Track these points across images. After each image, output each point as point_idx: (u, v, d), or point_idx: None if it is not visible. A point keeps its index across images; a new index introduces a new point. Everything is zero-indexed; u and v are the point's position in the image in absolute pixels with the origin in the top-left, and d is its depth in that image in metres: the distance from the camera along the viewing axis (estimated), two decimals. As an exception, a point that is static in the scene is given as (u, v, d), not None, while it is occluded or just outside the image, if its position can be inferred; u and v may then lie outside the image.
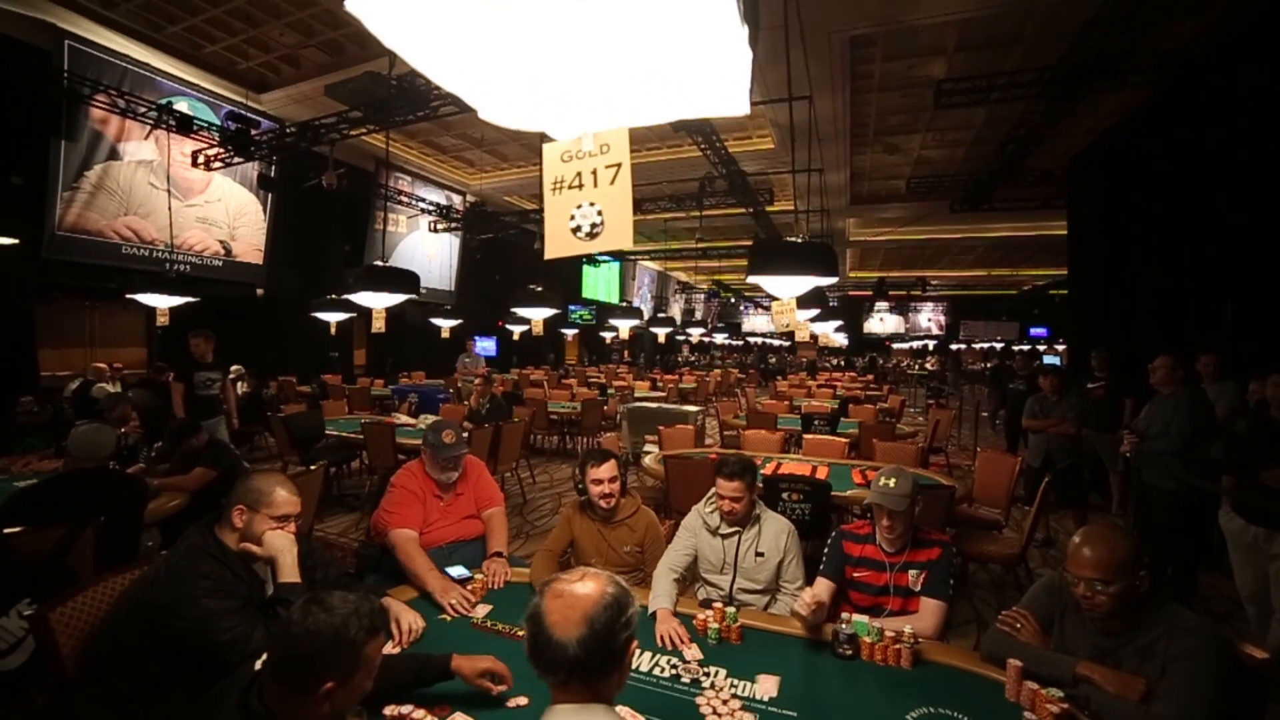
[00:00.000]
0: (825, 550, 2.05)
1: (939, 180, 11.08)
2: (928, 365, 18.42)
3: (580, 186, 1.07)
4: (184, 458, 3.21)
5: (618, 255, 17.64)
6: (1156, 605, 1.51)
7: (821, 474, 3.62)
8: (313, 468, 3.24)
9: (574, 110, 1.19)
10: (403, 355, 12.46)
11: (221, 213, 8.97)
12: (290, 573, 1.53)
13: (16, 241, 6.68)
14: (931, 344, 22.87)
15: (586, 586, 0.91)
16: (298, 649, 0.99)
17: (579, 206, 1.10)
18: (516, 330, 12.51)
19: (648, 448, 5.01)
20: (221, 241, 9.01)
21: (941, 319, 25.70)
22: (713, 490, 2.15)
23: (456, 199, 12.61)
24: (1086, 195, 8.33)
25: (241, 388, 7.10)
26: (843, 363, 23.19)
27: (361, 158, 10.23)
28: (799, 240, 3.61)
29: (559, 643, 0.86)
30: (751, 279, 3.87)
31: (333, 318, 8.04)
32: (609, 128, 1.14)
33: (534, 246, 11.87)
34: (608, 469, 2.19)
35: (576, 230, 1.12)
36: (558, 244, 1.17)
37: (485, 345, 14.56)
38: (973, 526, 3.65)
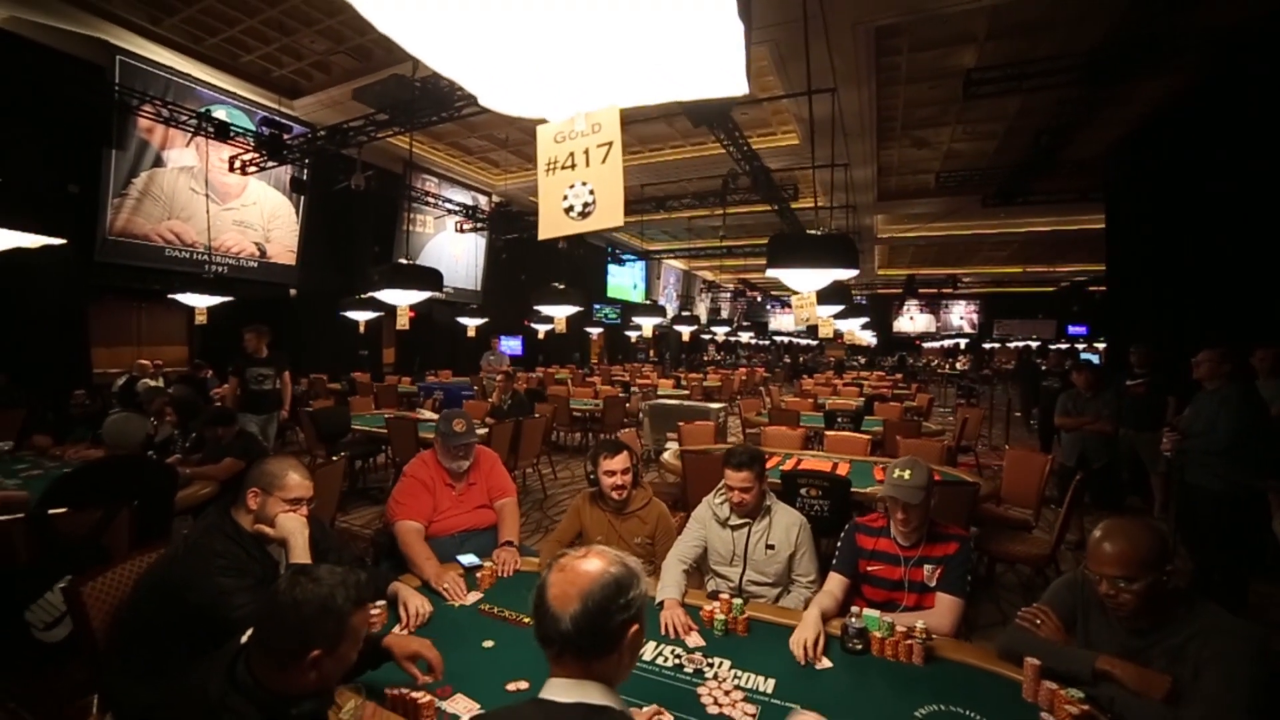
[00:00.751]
0: (838, 544, 2.01)
1: (970, 174, 10.76)
2: (958, 364, 17.89)
3: (573, 166, 1.07)
4: (214, 449, 3.32)
5: (642, 254, 17.65)
6: (1190, 603, 1.43)
7: (842, 471, 3.55)
8: (334, 459, 3.33)
9: (572, 95, 1.19)
10: (430, 354, 12.69)
11: (257, 216, 9.28)
12: (301, 554, 1.57)
13: (70, 244, 7.03)
14: (963, 343, 22.21)
15: (590, 564, 0.91)
16: (284, 618, 1.01)
17: (571, 186, 1.11)
18: (541, 329, 12.62)
19: (669, 445, 4.99)
20: (257, 243, 9.32)
21: (974, 317, 24.99)
22: (723, 482, 2.13)
23: (483, 199, 12.79)
24: (1126, 186, 8.01)
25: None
26: (868, 360, 22.72)
27: (389, 160, 10.46)
28: (818, 233, 3.54)
29: (555, 616, 0.86)
30: (771, 272, 3.82)
31: (361, 316, 8.25)
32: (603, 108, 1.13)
33: (558, 246, 11.94)
34: (620, 460, 2.20)
35: (569, 210, 1.12)
36: (551, 225, 1.18)
37: (511, 344, 14.73)
38: (1000, 526, 3.54)
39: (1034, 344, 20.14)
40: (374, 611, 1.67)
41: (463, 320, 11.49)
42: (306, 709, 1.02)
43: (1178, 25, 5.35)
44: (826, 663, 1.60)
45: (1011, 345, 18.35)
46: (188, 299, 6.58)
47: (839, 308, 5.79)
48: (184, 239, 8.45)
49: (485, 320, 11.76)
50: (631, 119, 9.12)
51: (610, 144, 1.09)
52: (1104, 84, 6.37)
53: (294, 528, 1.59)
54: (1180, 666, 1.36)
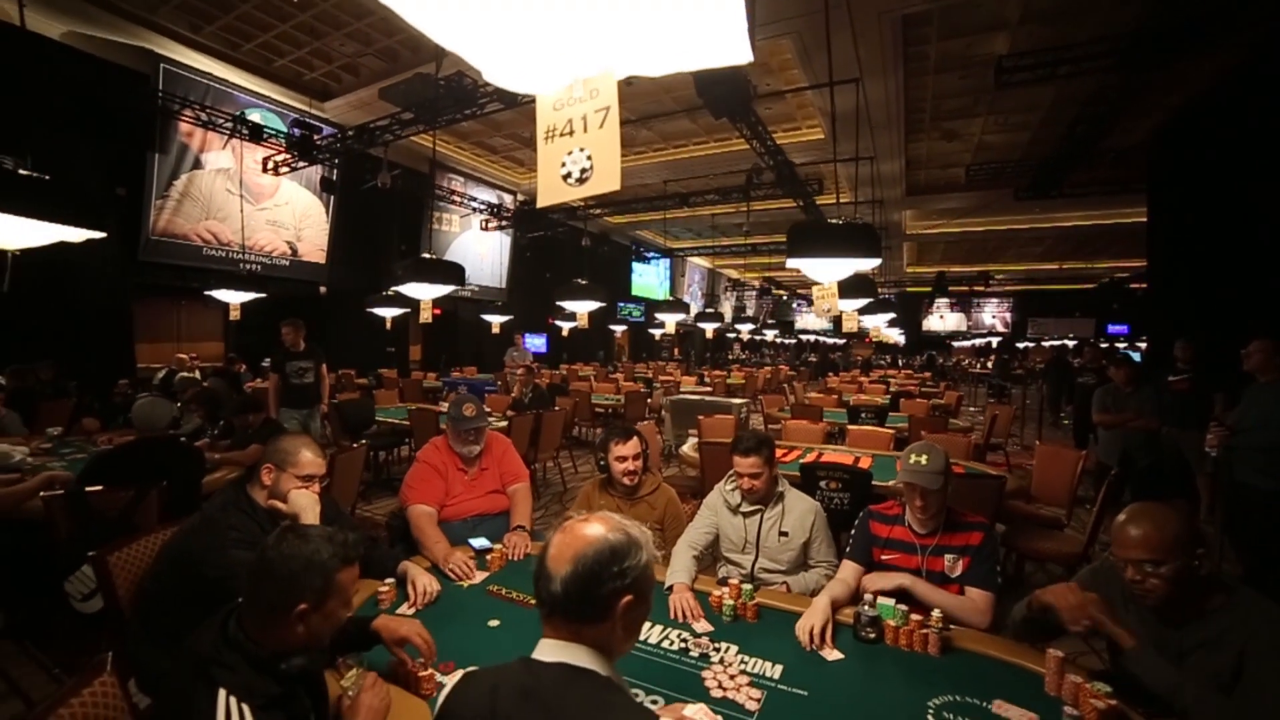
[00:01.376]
0: (852, 532, 1.96)
1: (1002, 167, 10.40)
2: (988, 363, 17.35)
3: (571, 133, 1.07)
4: (242, 436, 3.42)
5: (666, 252, 17.61)
6: (1228, 591, 1.34)
7: (864, 465, 3.48)
8: (354, 445, 3.39)
9: (573, 67, 1.18)
10: (456, 351, 12.89)
11: (289, 215, 9.55)
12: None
13: (116, 244, 7.42)
14: (995, 341, 21.55)
15: (591, 528, 0.89)
16: (271, 572, 1.03)
17: (570, 153, 1.10)
18: (565, 327, 12.70)
19: (690, 439, 4.96)
20: (289, 242, 9.59)
21: (1007, 316, 24.25)
22: (733, 470, 2.10)
23: (508, 198, 12.93)
24: (1170, 175, 7.66)
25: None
26: (900, 360, 22.24)
27: (416, 160, 10.65)
28: (839, 222, 3.48)
29: (548, 576, 0.86)
30: (791, 263, 3.77)
31: (388, 313, 8.41)
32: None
33: (582, 243, 11.99)
34: (631, 446, 2.19)
35: (567, 177, 1.12)
36: (550, 192, 1.17)
37: (535, 342, 14.85)
38: (1030, 523, 3.41)
39: (1070, 343, 19.46)
40: (382, 589, 1.69)
41: (487, 317, 11.65)
42: (296, 664, 1.03)
43: (1226, 3, 5.09)
44: (836, 654, 1.55)
45: (1046, 344, 17.68)
46: (223, 295, 6.81)
47: (864, 301, 5.68)
48: (220, 238, 8.74)
49: (510, 318, 11.89)
50: (654, 115, 9.11)
51: (607, 109, 1.08)
52: (1145, 68, 6.10)
53: (305, 504, 1.62)
54: (1219, 658, 1.28)
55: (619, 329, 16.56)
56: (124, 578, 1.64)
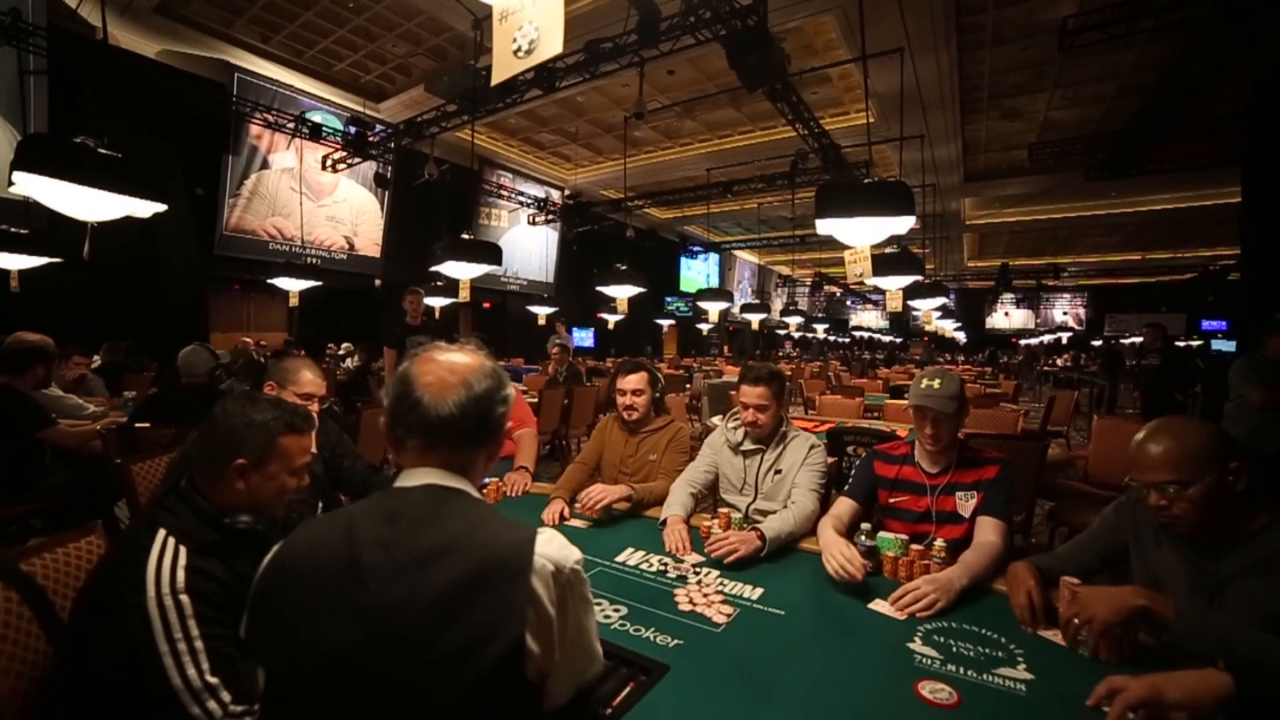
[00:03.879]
0: (852, 470, 1.85)
1: (1070, 145, 9.56)
2: (1059, 361, 16.17)
3: (521, 9, 1.06)
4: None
5: (710, 246, 17.47)
6: (1276, 506, 1.17)
7: (901, 435, 3.30)
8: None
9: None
10: (504, 343, 13.23)
11: (346, 211, 10.08)
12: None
13: (195, 241, 8.24)
14: (1065, 337, 20.07)
15: (464, 356, 0.88)
16: (215, 426, 1.10)
17: (520, 29, 1.10)
18: (611, 320, 12.80)
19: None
20: (346, 237, 10.12)
21: (1081, 312, 22.57)
22: (735, 406, 2.03)
23: (555, 194, 13.18)
24: (1268, 146, 6.84)
25: (354, 362, 7.95)
26: (961, 358, 21.11)
27: (464, 156, 11.01)
28: (870, 180, 3.33)
29: (431, 403, 0.82)
30: (822, 229, 3.64)
31: (437, 303, 8.73)
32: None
33: (626, 234, 12.06)
34: (634, 380, 2.17)
35: (517, 51, 1.12)
36: (502, 68, 1.18)
37: (582, 336, 15.05)
38: (1081, 498, 3.14)
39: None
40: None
41: (533, 309, 11.93)
42: (241, 521, 1.07)
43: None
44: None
45: (1126, 341, 16.29)
46: (283, 282, 7.27)
47: (909, 279, 5.40)
48: (284, 234, 9.31)
49: (556, 310, 12.12)
50: (697, 100, 9.05)
51: (550, -25, 1.07)
52: (1245, 16, 5.34)
53: (303, 419, 1.68)
54: (1270, 583, 1.11)
55: (666, 323, 16.55)
56: (144, 486, 1.75)
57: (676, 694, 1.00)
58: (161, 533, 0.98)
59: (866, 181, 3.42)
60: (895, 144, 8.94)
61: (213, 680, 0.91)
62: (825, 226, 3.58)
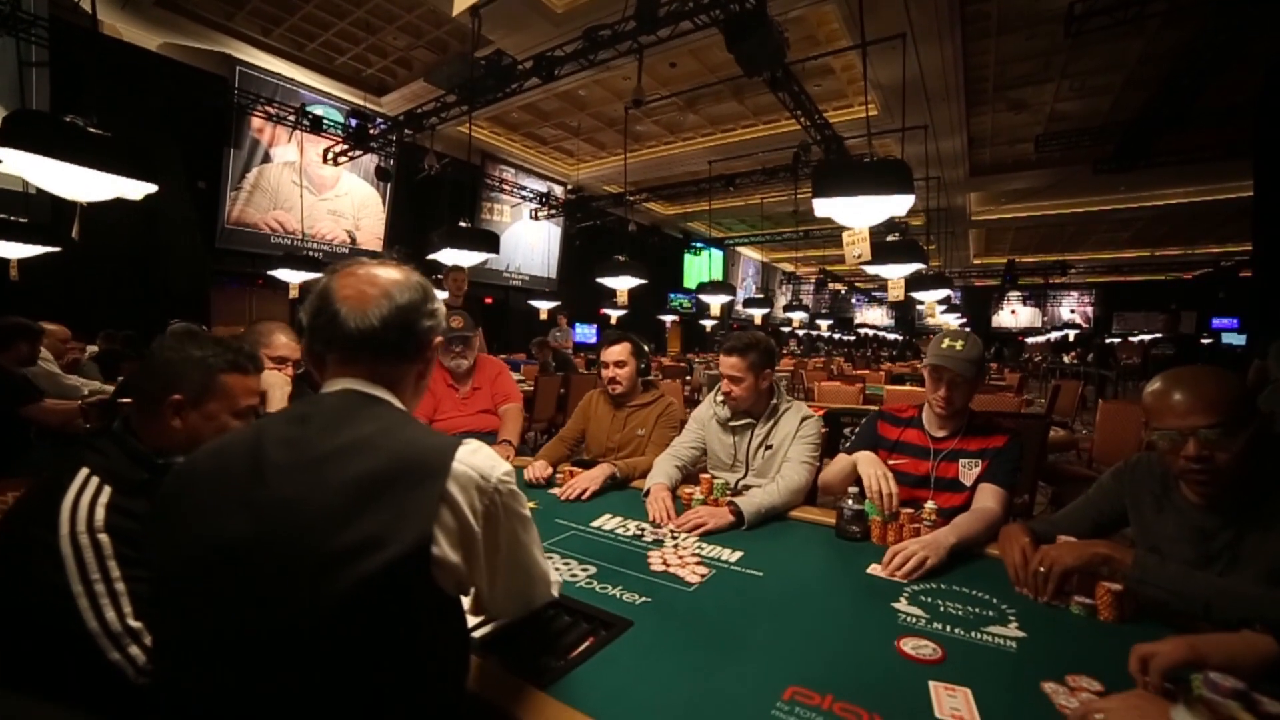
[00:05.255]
0: (855, 431, 1.79)
1: (1078, 137, 9.39)
2: (1065, 359, 15.96)
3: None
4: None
5: (712, 241, 17.40)
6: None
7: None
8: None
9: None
10: (506, 339, 13.21)
11: (348, 205, 10.08)
12: (278, 405, 1.61)
13: (198, 234, 8.23)
14: (1073, 334, 19.78)
15: (387, 269, 0.83)
16: (151, 361, 1.05)
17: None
18: (614, 315, 12.73)
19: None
20: (348, 231, 10.11)
21: (1089, 310, 22.29)
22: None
23: (558, 189, 13.16)
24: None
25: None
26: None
27: (467, 151, 11.03)
28: (868, 159, 3.26)
29: (350, 315, 0.78)
30: (820, 210, 3.58)
31: (442, 296, 8.71)
32: None
33: (628, 229, 12.02)
34: (616, 351, 2.11)
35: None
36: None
37: (585, 331, 15.02)
38: (1083, 482, 3.06)
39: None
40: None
41: (535, 303, 11.93)
42: (178, 462, 1.01)
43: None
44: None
45: (1134, 340, 16.05)
46: (283, 274, 7.26)
47: (911, 267, 5.32)
48: (286, 227, 9.32)
49: (557, 304, 12.10)
50: (699, 91, 8.98)
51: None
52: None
53: (274, 381, 1.65)
54: (1277, 536, 1.05)
55: (669, 319, 16.50)
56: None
57: (637, 648, 0.94)
58: (84, 471, 0.93)
59: (862, 160, 3.35)
60: (899, 137, 8.84)
61: (135, 625, 0.86)
62: (823, 207, 3.51)
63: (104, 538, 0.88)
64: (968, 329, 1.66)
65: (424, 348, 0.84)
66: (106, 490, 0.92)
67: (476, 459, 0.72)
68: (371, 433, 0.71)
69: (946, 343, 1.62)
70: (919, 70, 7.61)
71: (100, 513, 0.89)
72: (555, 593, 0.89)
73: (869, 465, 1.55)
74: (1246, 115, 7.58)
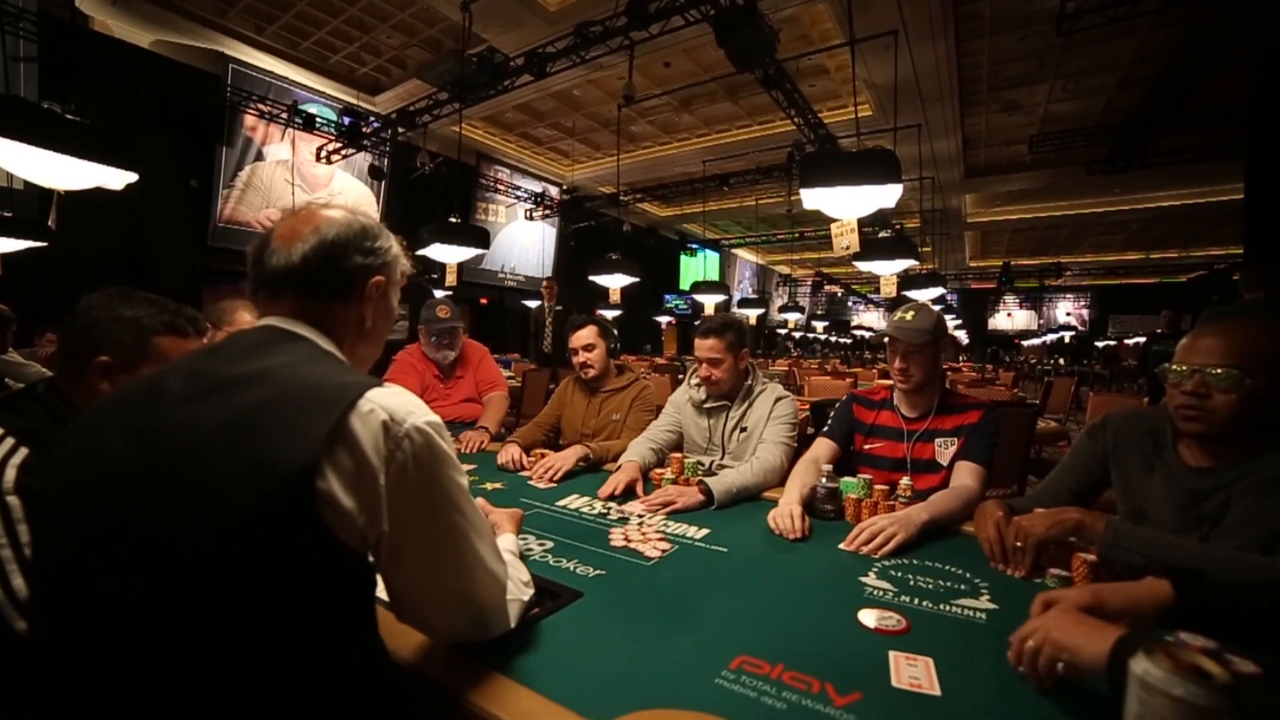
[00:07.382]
0: (831, 413, 1.74)
1: (1071, 138, 9.38)
2: (1060, 362, 15.97)
3: None
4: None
5: (707, 243, 17.41)
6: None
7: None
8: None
9: None
10: (502, 339, 13.17)
11: (341, 204, 10.02)
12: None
13: (189, 233, 8.21)
14: (1068, 336, 19.78)
15: (332, 210, 0.79)
16: (76, 321, 0.99)
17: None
18: (611, 315, 12.72)
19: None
20: (341, 229, 10.07)
21: (1084, 313, 22.30)
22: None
23: (553, 190, 13.14)
24: (1271, 138, 6.64)
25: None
26: (962, 356, 20.87)
27: (463, 152, 11.01)
28: (855, 149, 3.23)
29: (276, 250, 0.74)
30: (808, 201, 3.54)
31: (437, 294, 8.68)
32: None
33: (622, 229, 12.00)
34: (584, 335, 2.06)
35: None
36: None
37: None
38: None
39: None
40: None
41: (528, 302, 11.89)
42: None
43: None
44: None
45: (1130, 342, 16.06)
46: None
47: (903, 263, 5.29)
48: (279, 225, 9.28)
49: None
50: (693, 88, 8.96)
51: None
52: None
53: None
54: (1275, 505, 1.01)
55: (664, 320, 16.48)
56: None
57: (584, 618, 0.90)
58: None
59: (849, 150, 3.31)
60: (892, 137, 8.85)
61: None
62: (811, 198, 3.48)
63: (13, 500, 0.82)
64: (926, 304, 1.61)
65: (352, 288, 0.78)
66: (22, 451, 0.87)
67: (392, 400, 0.66)
68: (276, 365, 0.67)
69: (898, 314, 1.61)
70: (913, 70, 7.61)
71: (10, 473, 0.84)
72: (516, 607, 0.80)
73: (780, 507, 1.37)
74: (1239, 117, 7.63)
